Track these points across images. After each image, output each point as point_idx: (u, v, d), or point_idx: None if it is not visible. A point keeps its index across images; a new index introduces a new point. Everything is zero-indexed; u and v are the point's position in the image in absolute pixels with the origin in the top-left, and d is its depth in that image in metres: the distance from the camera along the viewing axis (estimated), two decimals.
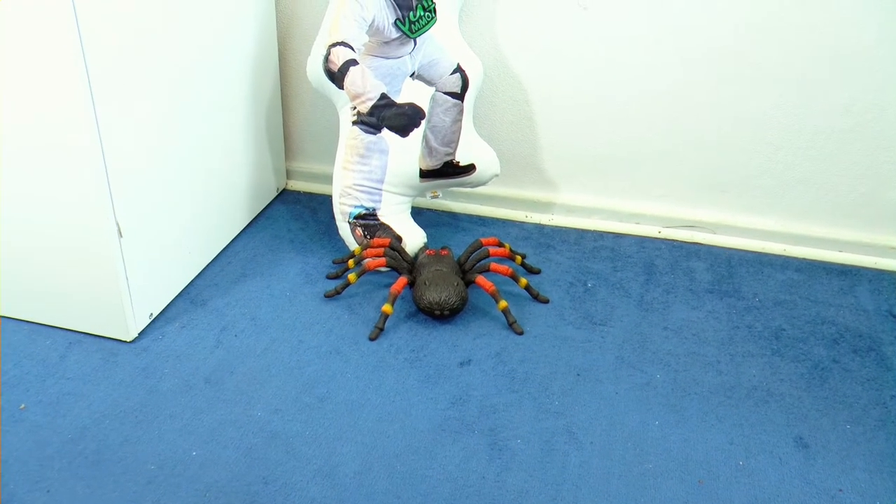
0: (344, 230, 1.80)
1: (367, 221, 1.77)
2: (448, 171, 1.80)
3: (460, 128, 1.78)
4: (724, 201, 1.93)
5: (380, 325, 1.60)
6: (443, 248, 1.73)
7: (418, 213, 1.93)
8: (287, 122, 2.09)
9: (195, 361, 1.53)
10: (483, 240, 1.74)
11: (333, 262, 1.82)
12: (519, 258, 1.78)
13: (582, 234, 1.98)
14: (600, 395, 1.47)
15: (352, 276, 1.69)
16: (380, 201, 1.77)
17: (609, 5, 1.77)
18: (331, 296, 1.70)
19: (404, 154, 1.75)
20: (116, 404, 1.43)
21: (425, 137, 1.76)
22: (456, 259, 1.72)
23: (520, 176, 2.01)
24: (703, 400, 1.47)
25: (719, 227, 1.95)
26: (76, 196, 1.43)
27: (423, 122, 1.75)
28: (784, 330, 1.65)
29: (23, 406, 1.42)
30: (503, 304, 1.62)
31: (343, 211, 1.78)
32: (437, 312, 1.61)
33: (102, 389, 1.46)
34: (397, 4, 1.69)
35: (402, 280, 1.64)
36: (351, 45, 1.70)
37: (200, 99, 1.68)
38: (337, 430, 1.38)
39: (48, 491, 1.25)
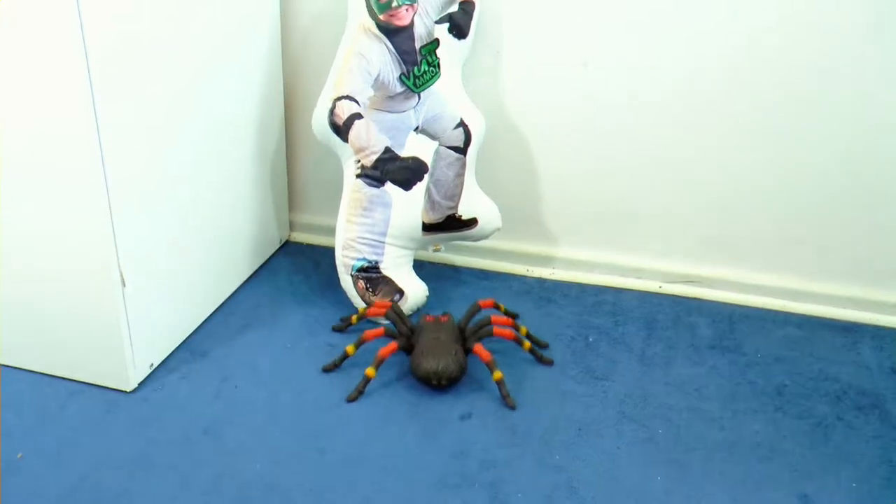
0: (346, 283, 1.80)
1: (370, 274, 1.78)
2: (450, 224, 1.81)
3: (463, 182, 1.80)
4: (724, 257, 1.94)
5: (360, 388, 1.56)
6: (443, 315, 1.67)
7: (420, 267, 1.93)
8: (291, 174, 2.11)
9: (195, 412, 1.52)
10: (481, 302, 1.71)
11: (337, 324, 1.79)
12: (524, 329, 1.71)
13: (583, 288, 1.99)
14: (602, 449, 1.46)
15: (349, 348, 1.64)
16: (382, 254, 1.78)
17: (610, 62, 1.79)
18: (329, 369, 1.64)
19: (407, 207, 1.76)
20: (115, 454, 1.42)
21: (428, 191, 1.77)
22: (457, 323, 1.68)
23: (521, 230, 2.02)
24: (706, 456, 1.46)
25: (720, 282, 1.95)
26: (80, 245, 1.44)
27: (427, 176, 1.77)
28: (786, 386, 1.65)
29: (20, 455, 1.41)
30: (498, 374, 1.56)
31: (346, 263, 1.79)
32: (434, 382, 1.57)
33: (102, 439, 1.45)
34: (402, 59, 1.72)
35: (393, 345, 1.59)
36: (356, 98, 1.72)
37: (205, 149, 1.69)
38: (337, 484, 1.37)
39: None
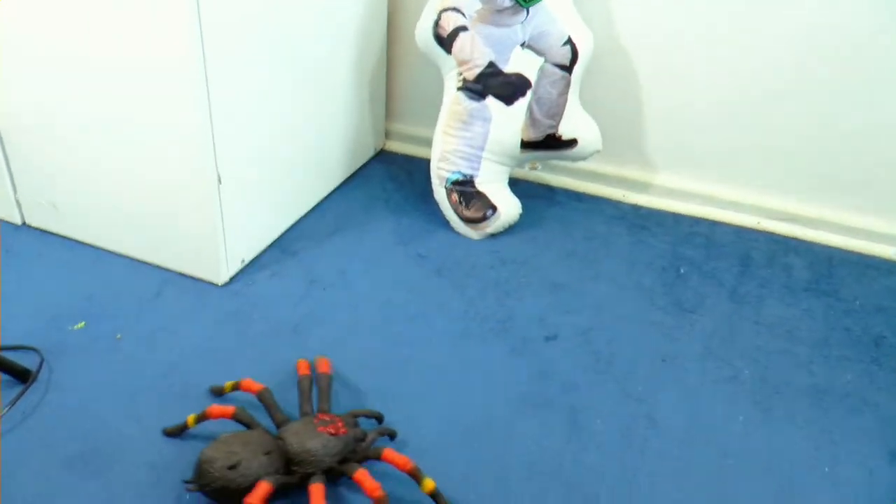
0: (440, 195, 1.80)
1: (464, 188, 1.77)
2: (550, 143, 1.77)
3: (566, 101, 1.75)
4: (830, 197, 1.86)
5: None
6: (338, 424, 1.21)
7: (515, 184, 1.91)
8: (390, 83, 2.09)
9: (283, 310, 1.55)
10: (387, 450, 1.20)
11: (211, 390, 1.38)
12: (430, 484, 1.17)
13: (678, 218, 1.94)
14: (685, 384, 1.45)
15: (190, 419, 1.26)
16: (478, 169, 1.76)
17: None
18: (171, 433, 1.28)
19: (507, 123, 1.73)
20: (205, 344, 1.46)
21: (530, 108, 1.74)
22: (350, 438, 1.21)
23: (621, 154, 1.97)
24: (792, 401, 1.42)
25: (823, 223, 1.88)
26: (180, 141, 1.46)
27: (529, 93, 1.73)
28: (885, 338, 1.59)
29: (119, 336, 1.46)
30: None
31: (440, 175, 1.78)
32: (194, 480, 1.15)
33: (193, 329, 1.49)
34: None
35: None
36: (462, 11, 1.68)
37: (307, 55, 1.68)
38: (418, 392, 1.39)
39: (139, 420, 1.29)
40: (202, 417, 1.25)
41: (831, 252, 1.85)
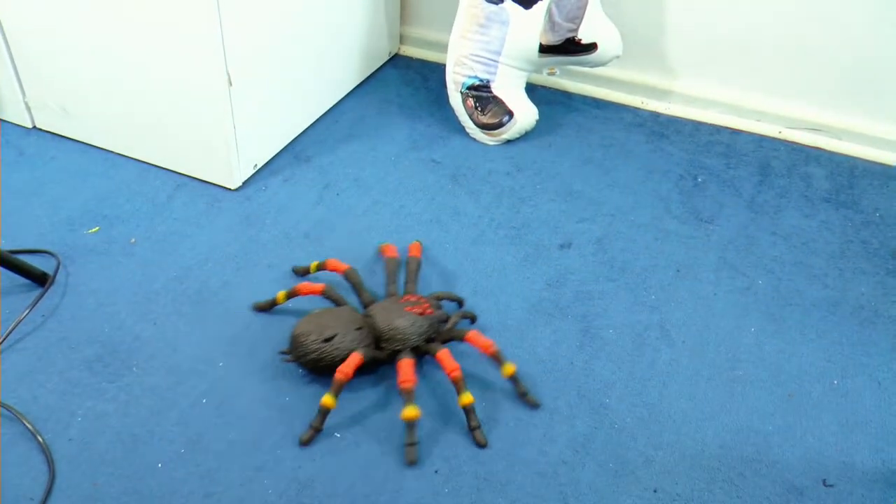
0: (455, 100, 1.77)
1: (480, 93, 1.73)
2: (569, 48, 1.73)
3: (586, 4, 1.70)
4: (855, 105, 1.82)
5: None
6: (425, 305, 1.27)
7: (532, 90, 1.87)
8: None
9: (296, 215, 1.55)
10: (472, 332, 1.24)
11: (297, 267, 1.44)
12: (510, 368, 1.22)
13: (698, 126, 1.91)
14: (698, 294, 1.44)
15: (280, 295, 1.33)
16: (495, 73, 1.72)
17: None
18: (260, 309, 1.35)
19: (525, 27, 1.69)
20: (219, 248, 1.46)
21: (549, 11, 1.69)
22: (435, 319, 1.27)
23: (641, 59, 1.92)
24: (805, 312, 1.42)
25: (846, 133, 1.84)
26: (190, 42, 1.43)
27: None
28: None
29: (133, 240, 1.47)
30: (467, 398, 1.16)
31: (456, 80, 1.74)
32: (284, 352, 1.25)
33: (206, 233, 1.50)
34: None
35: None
36: None
37: None
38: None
39: (154, 323, 1.31)
40: (292, 294, 1.31)
41: (854, 162, 1.82)
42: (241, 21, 1.46)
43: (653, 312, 1.40)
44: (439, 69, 1.97)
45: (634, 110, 1.95)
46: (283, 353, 1.24)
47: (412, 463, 1.12)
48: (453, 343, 1.27)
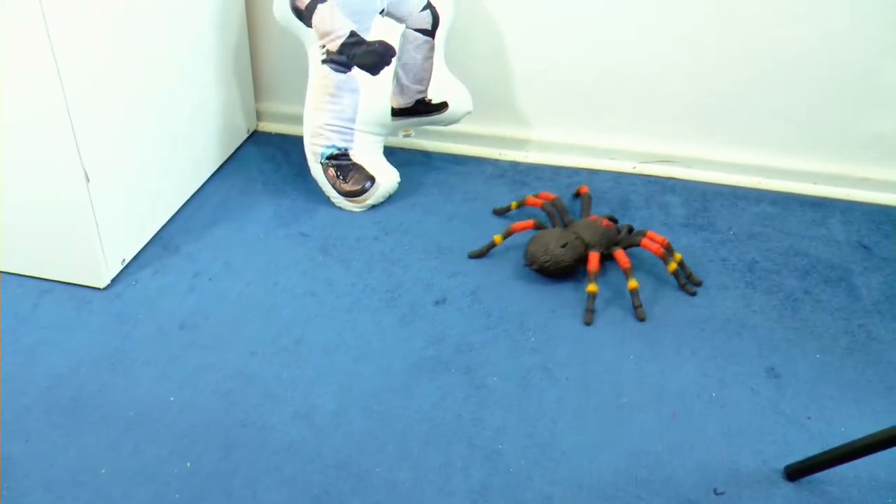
0: (316, 171, 1.78)
1: (340, 161, 1.75)
2: (420, 109, 1.78)
3: (432, 65, 1.75)
4: (699, 136, 1.92)
5: (484, 250, 1.64)
6: (607, 218, 1.69)
7: (391, 153, 1.91)
8: (256, 63, 2.05)
9: (169, 307, 1.52)
10: (650, 232, 1.62)
11: (494, 212, 1.81)
12: (678, 256, 1.60)
13: (557, 170, 1.97)
14: (575, 330, 1.48)
15: (497, 238, 1.65)
16: (352, 141, 1.75)
17: None
18: (475, 256, 1.66)
19: (375, 92, 1.73)
20: (92, 352, 1.42)
21: (396, 75, 1.73)
22: (614, 231, 1.66)
23: (493, 113, 1.99)
24: (678, 333, 1.48)
25: (694, 161, 1.94)
26: (41, 142, 1.40)
27: (394, 60, 1.73)
28: (757, 262, 1.66)
29: None
30: (633, 283, 1.52)
31: (315, 151, 1.76)
32: (527, 264, 1.59)
33: (77, 337, 1.45)
34: None
35: (529, 223, 1.65)
36: None
37: (165, 40, 1.64)
38: (313, 372, 1.38)
39: (26, 440, 1.25)
40: (508, 234, 1.65)
41: (705, 188, 1.91)
42: (93, 115, 1.44)
43: (534, 354, 1.43)
44: (299, 142, 1.98)
45: (494, 162, 2.01)
46: (526, 265, 1.59)
47: (588, 323, 1.50)
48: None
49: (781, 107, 1.84)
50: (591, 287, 1.52)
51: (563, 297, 1.56)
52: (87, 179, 1.46)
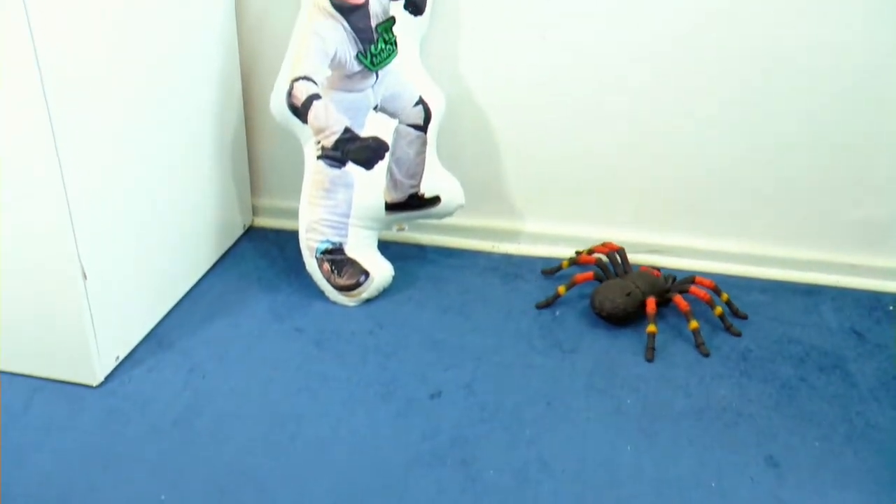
0: (311, 266, 1.80)
1: (335, 256, 1.77)
2: (413, 203, 1.80)
3: (424, 160, 1.79)
4: (687, 225, 1.95)
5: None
6: (656, 270, 1.84)
7: (385, 247, 1.93)
8: (252, 159, 2.09)
9: (163, 404, 1.51)
10: (698, 278, 1.80)
11: (543, 272, 1.95)
12: (725, 296, 1.78)
13: (548, 261, 1.99)
14: (572, 422, 1.48)
15: (561, 289, 1.80)
16: (346, 236, 1.77)
17: (567, 33, 1.79)
18: (542, 307, 1.81)
19: (369, 187, 1.76)
20: (83, 450, 1.41)
21: (390, 170, 1.77)
22: (663, 280, 1.82)
23: (485, 206, 2.02)
24: (674, 423, 1.47)
25: (684, 250, 1.97)
26: (39, 239, 1.42)
27: (388, 155, 1.76)
28: (751, 351, 1.67)
29: None
30: (694, 324, 1.68)
31: (310, 247, 1.78)
32: (596, 311, 1.73)
33: (68, 436, 1.44)
34: (358, 38, 1.70)
35: (589, 274, 1.81)
36: (313, 79, 1.71)
37: (164, 137, 1.67)
38: (309, 468, 1.37)
39: None
40: (571, 285, 1.81)
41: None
42: (92, 212, 1.46)
43: (530, 447, 1.42)
44: (295, 237, 2.00)
45: (487, 255, 2.03)
46: (595, 312, 1.73)
47: (650, 360, 1.64)
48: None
49: (767, 195, 1.87)
50: (651, 328, 1.67)
51: (560, 387, 1.56)
52: (85, 277, 1.47)
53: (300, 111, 1.73)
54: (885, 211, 1.84)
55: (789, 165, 1.83)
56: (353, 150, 1.74)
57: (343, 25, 1.69)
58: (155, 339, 1.69)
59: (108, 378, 1.58)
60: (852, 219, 1.86)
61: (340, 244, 1.77)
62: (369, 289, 1.79)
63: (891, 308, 1.82)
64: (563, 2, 1.76)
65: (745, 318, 1.78)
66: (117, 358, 1.61)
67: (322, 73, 1.71)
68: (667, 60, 1.78)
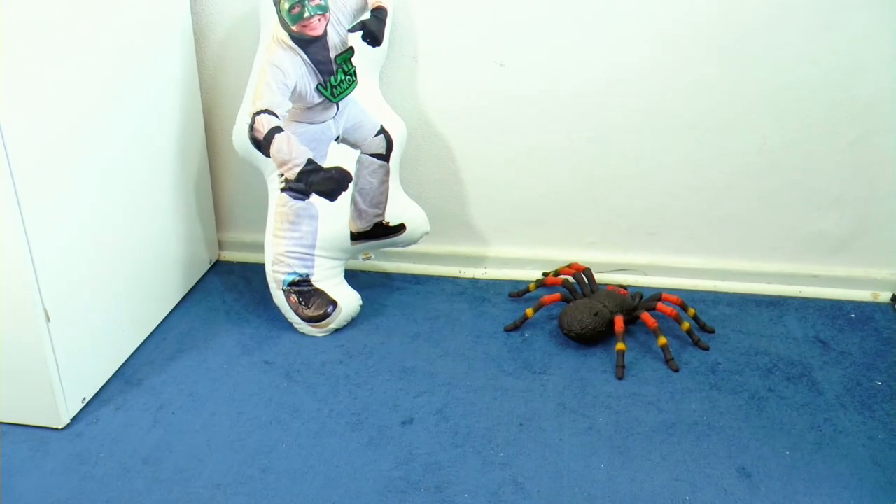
0: (278, 298, 1.79)
1: (301, 288, 1.77)
2: (378, 232, 1.81)
3: (388, 188, 1.79)
4: (653, 243, 1.97)
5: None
6: (623, 289, 1.85)
7: (352, 276, 1.93)
8: (217, 193, 2.09)
9: (132, 443, 1.49)
10: (664, 294, 1.81)
11: (510, 295, 1.95)
12: (692, 311, 1.80)
13: (516, 284, 2.00)
14: (544, 442, 1.48)
15: (529, 311, 1.81)
16: (313, 267, 1.77)
17: (526, 61, 1.81)
18: (511, 329, 1.81)
19: (334, 218, 1.76)
20: (49, 494, 1.38)
21: (354, 200, 1.77)
22: (630, 298, 1.84)
23: (450, 232, 2.03)
24: (647, 439, 1.48)
25: (651, 268, 1.98)
26: (1, 283, 1.40)
27: (351, 185, 1.77)
28: (720, 364, 1.68)
29: None
30: (662, 340, 1.70)
31: (276, 279, 1.78)
32: (565, 332, 1.74)
33: (33, 480, 1.41)
34: (318, 70, 1.71)
35: (556, 296, 1.82)
36: (275, 112, 1.71)
37: (127, 175, 1.66)
38: (281, 501, 1.35)
39: None
40: (538, 307, 1.82)
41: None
42: (54, 253, 1.45)
43: (504, 469, 1.41)
44: (261, 270, 1.99)
45: (454, 280, 2.04)
46: (564, 333, 1.73)
47: (620, 378, 1.64)
48: None
49: (730, 212, 1.90)
50: (620, 346, 1.68)
51: (532, 408, 1.56)
52: (48, 319, 1.45)
53: (262, 144, 1.73)
54: (842, 223, 1.88)
55: (747, 184, 1.86)
56: (316, 181, 1.74)
57: (302, 58, 1.70)
58: (122, 378, 1.67)
59: (74, 419, 1.56)
60: (812, 232, 1.89)
61: (307, 275, 1.77)
62: (337, 319, 1.79)
63: (852, 315, 1.85)
64: (522, 31, 1.79)
65: (712, 332, 1.79)
66: (84, 399, 1.59)
67: (283, 106, 1.72)
68: (626, 88, 1.81)
